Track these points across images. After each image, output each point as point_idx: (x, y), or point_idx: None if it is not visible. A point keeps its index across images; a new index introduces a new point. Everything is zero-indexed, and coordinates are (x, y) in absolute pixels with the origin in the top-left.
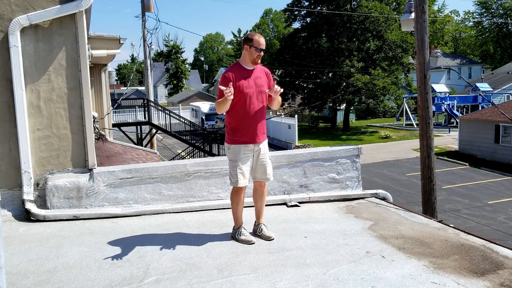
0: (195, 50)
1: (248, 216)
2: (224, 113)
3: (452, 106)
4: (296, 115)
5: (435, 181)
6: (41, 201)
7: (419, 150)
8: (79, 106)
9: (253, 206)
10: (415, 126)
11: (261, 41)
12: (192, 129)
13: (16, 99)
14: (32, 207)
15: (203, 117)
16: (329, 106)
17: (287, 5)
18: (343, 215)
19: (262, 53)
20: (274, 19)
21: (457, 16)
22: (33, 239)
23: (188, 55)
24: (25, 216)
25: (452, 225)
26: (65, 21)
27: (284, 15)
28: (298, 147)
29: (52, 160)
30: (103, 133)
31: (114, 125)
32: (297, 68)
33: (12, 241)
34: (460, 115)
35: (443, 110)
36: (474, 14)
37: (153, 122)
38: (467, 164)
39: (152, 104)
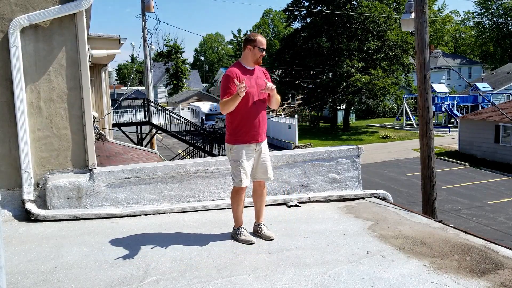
0: (195, 50)
1: (248, 216)
2: (224, 113)
3: (452, 106)
4: (296, 115)
5: (435, 181)
6: (41, 201)
7: (419, 150)
8: (79, 106)
9: (253, 206)
10: (415, 126)
11: (264, 41)
12: (192, 129)
13: (16, 99)
14: (32, 207)
15: (203, 117)
16: (329, 106)
17: (287, 5)
18: (343, 215)
19: (264, 53)
20: (274, 19)
21: (457, 16)
22: (33, 239)
23: (188, 55)
24: (25, 216)
25: (452, 225)
26: (65, 21)
27: (284, 15)
28: (298, 147)
29: (52, 160)
30: (103, 133)
31: (114, 125)
32: (297, 68)
33: (12, 241)
34: (460, 115)
35: (443, 110)
36: (474, 14)
37: (153, 122)
38: (467, 164)
39: (152, 104)
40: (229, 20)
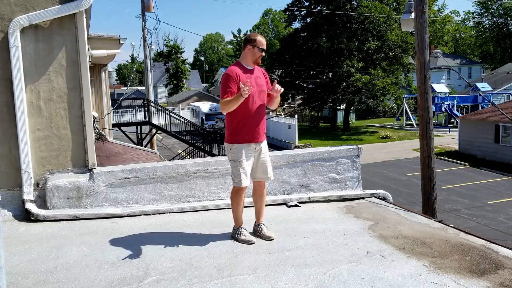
0: (195, 50)
1: (248, 216)
2: (225, 113)
3: (452, 106)
4: (296, 115)
5: (435, 181)
6: (41, 201)
7: (419, 150)
8: (79, 106)
9: (253, 206)
10: (415, 126)
11: (264, 41)
12: (192, 129)
13: (16, 99)
14: (32, 207)
15: (203, 117)
16: (329, 106)
17: (287, 5)
18: (343, 215)
19: (263, 53)
20: (274, 19)
21: (457, 16)
22: (33, 239)
23: (188, 55)
24: (25, 216)
25: (452, 225)
26: (65, 21)
27: (284, 15)
28: (298, 147)
29: (52, 160)
30: (103, 133)
31: (114, 125)
32: (297, 68)
33: (12, 241)
34: (460, 115)
35: (443, 110)
36: (474, 14)
37: (153, 122)
38: (467, 164)
39: (152, 104)
40: (229, 20)
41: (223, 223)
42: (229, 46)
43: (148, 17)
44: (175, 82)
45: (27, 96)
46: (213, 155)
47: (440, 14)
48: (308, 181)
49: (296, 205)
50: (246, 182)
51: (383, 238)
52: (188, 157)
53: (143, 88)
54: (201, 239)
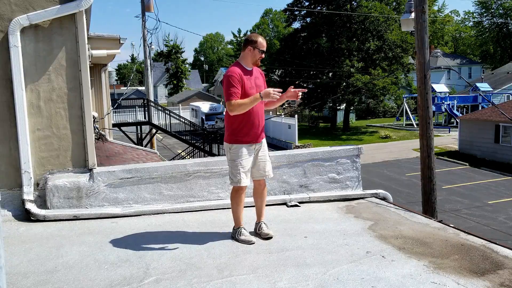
0: (195, 50)
1: (248, 216)
2: (234, 114)
3: (452, 106)
4: (296, 115)
5: (435, 181)
6: (41, 201)
7: (419, 150)
8: (79, 106)
9: (252, 206)
10: (415, 126)
11: (264, 43)
12: (192, 129)
13: (16, 99)
14: (32, 207)
15: (203, 117)
16: (329, 106)
17: (287, 5)
18: (343, 215)
19: (263, 55)
20: (274, 19)
21: (457, 16)
22: (33, 239)
23: (188, 55)
24: (25, 216)
25: (452, 225)
26: (65, 21)
27: (284, 15)
28: (298, 147)
29: (52, 160)
30: (103, 133)
31: (114, 125)
32: (297, 68)
33: (12, 241)
34: (460, 115)
35: (443, 110)
36: (474, 14)
37: (153, 122)
38: (467, 164)
39: (152, 104)
40: (229, 20)
41: (223, 223)
42: (229, 46)
43: (148, 17)
44: (175, 82)
45: (27, 96)
46: (213, 155)
47: (440, 14)
48: (308, 181)
49: (296, 205)
50: (246, 181)
51: (383, 238)
52: (188, 157)
53: (143, 88)
54: (201, 239)
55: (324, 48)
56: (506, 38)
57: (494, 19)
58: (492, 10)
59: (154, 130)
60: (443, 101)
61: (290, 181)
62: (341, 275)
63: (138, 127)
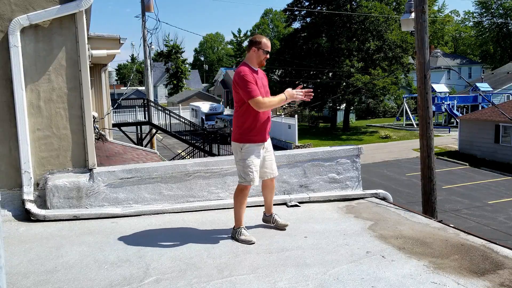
0: (195, 50)
1: (247, 216)
2: (262, 111)
3: (452, 106)
4: (296, 115)
5: (435, 181)
6: (41, 201)
7: (419, 150)
8: (79, 106)
9: (253, 206)
10: (415, 126)
11: (268, 44)
12: (192, 129)
13: (16, 99)
14: (32, 207)
15: (203, 117)
16: (329, 106)
17: (287, 5)
18: (343, 215)
19: (268, 56)
20: (274, 19)
21: (457, 16)
22: (33, 239)
23: (188, 55)
24: (25, 216)
25: (452, 225)
26: (65, 21)
27: (284, 15)
28: (298, 147)
29: (52, 160)
30: (103, 133)
31: (114, 125)
32: (297, 68)
33: (12, 241)
34: (460, 115)
35: (443, 110)
36: (474, 14)
37: (153, 122)
38: (467, 164)
39: (152, 104)
40: (229, 20)
41: (223, 223)
42: (229, 46)
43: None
44: (175, 82)
45: (27, 96)
46: (213, 155)
47: (440, 14)
48: (308, 181)
49: (296, 205)
50: (257, 180)
51: (383, 238)
52: (188, 157)
53: (143, 88)
54: (201, 239)
55: (324, 48)
56: (506, 38)
57: (494, 19)
58: (492, 10)
59: (154, 130)
60: (443, 101)
61: (290, 181)
62: (341, 275)
63: (138, 127)
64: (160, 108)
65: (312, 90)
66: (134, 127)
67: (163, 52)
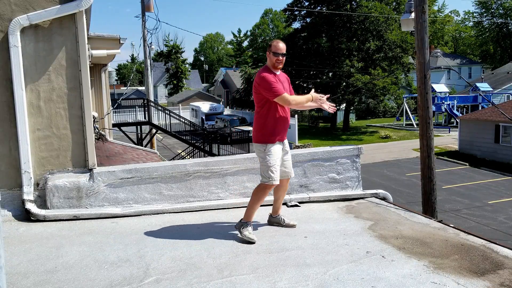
0: (195, 50)
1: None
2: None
3: (452, 106)
4: (296, 115)
5: (435, 181)
6: (41, 201)
7: (419, 150)
8: (79, 106)
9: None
10: (415, 126)
11: (279, 46)
12: (192, 129)
13: (16, 99)
14: (32, 207)
15: (203, 117)
16: None
17: (287, 5)
18: (343, 215)
19: (281, 58)
20: (274, 19)
21: (457, 16)
22: (33, 239)
23: (188, 55)
24: (25, 216)
25: (452, 225)
26: (65, 21)
27: (284, 15)
28: (298, 147)
29: (52, 160)
30: (103, 133)
31: (114, 125)
32: (297, 68)
33: (12, 241)
34: (460, 115)
35: (443, 110)
36: (474, 14)
37: (153, 122)
38: (467, 164)
39: (152, 104)
40: (229, 20)
41: (223, 223)
42: (229, 46)
43: (148, 17)
44: (175, 82)
45: (27, 96)
46: (213, 155)
47: (440, 14)
48: (308, 181)
49: (296, 205)
50: (278, 179)
51: (383, 238)
52: (188, 157)
53: (143, 88)
54: (201, 239)
55: (324, 48)
56: (506, 38)
57: (494, 19)
58: (492, 10)
59: (154, 130)
60: (443, 101)
61: (290, 181)
62: (341, 275)
63: (138, 127)
64: (160, 108)
65: (334, 105)
66: (134, 127)
67: (163, 52)
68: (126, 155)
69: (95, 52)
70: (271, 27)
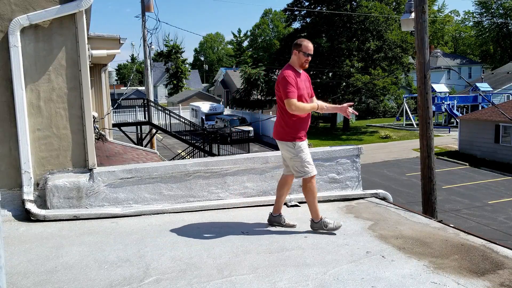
0: (195, 50)
1: (245, 216)
2: (296, 113)
3: (452, 106)
4: None
5: (435, 181)
6: (41, 201)
7: (419, 150)
8: (79, 106)
9: (252, 207)
10: (415, 126)
11: (310, 46)
12: (192, 129)
13: (16, 99)
14: (32, 207)
15: (203, 117)
16: None
17: (287, 5)
18: (343, 215)
19: (309, 58)
20: (274, 19)
21: (457, 16)
22: (33, 239)
23: (188, 55)
24: (25, 216)
25: (452, 225)
26: (65, 21)
27: (284, 15)
28: None
29: (52, 160)
30: (103, 133)
31: (114, 125)
32: None
33: (12, 241)
34: (460, 115)
35: (443, 110)
36: (474, 14)
37: (153, 122)
38: (467, 164)
39: (152, 104)
40: (229, 20)
41: (223, 223)
42: (229, 46)
43: (148, 17)
44: (175, 82)
45: (27, 96)
46: (213, 155)
47: (440, 14)
48: None
49: (296, 205)
50: (315, 170)
51: (383, 238)
52: (188, 157)
53: (143, 88)
54: (201, 239)
55: (324, 48)
56: (506, 38)
57: (494, 19)
58: (492, 10)
59: (154, 130)
60: (443, 101)
61: None
62: (341, 275)
63: (138, 127)
64: (160, 108)
65: (357, 113)
66: (134, 127)
67: (163, 52)
68: (126, 155)
69: (95, 52)
70: (271, 27)
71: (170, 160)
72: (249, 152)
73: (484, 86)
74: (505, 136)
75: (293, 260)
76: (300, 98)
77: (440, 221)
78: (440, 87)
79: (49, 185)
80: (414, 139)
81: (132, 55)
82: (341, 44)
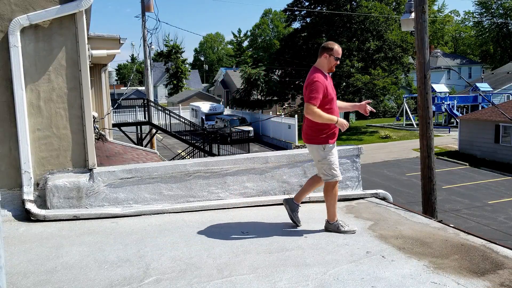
0: (195, 50)
1: (246, 216)
2: (312, 119)
3: (452, 106)
4: (296, 115)
5: (435, 181)
6: (41, 201)
7: (419, 150)
8: (79, 106)
9: (251, 207)
10: (415, 126)
11: (340, 51)
12: (192, 129)
13: (16, 99)
14: (32, 207)
15: (203, 117)
16: None
17: (287, 5)
18: (343, 215)
19: (338, 62)
20: (274, 19)
21: (457, 16)
22: (33, 239)
23: (188, 55)
24: (25, 216)
25: (452, 225)
26: (65, 21)
27: (284, 15)
28: (298, 147)
29: (52, 160)
30: (103, 133)
31: (114, 125)
32: (297, 68)
33: (12, 241)
34: (460, 115)
35: (443, 110)
36: (474, 14)
37: (153, 122)
38: (467, 164)
39: (152, 104)
40: (229, 20)
41: (223, 223)
42: (229, 46)
43: (148, 17)
44: (175, 82)
45: (27, 96)
46: (213, 155)
47: (440, 14)
48: None
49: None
50: (341, 175)
51: (383, 238)
52: (188, 157)
53: (143, 88)
54: (201, 239)
55: None
56: (506, 38)
57: (494, 19)
58: (492, 10)
59: (154, 130)
60: (443, 101)
61: (290, 181)
62: (341, 275)
63: (138, 127)
64: (160, 108)
65: (374, 111)
66: (134, 127)
67: (163, 52)
68: (126, 155)
69: (95, 52)
70: (271, 27)
71: (170, 160)
72: (249, 152)
73: (484, 86)
74: (505, 136)
75: (293, 260)
76: (331, 101)
77: (440, 221)
78: (440, 87)
79: (49, 185)
80: (414, 139)
81: (132, 55)
82: (341, 44)
